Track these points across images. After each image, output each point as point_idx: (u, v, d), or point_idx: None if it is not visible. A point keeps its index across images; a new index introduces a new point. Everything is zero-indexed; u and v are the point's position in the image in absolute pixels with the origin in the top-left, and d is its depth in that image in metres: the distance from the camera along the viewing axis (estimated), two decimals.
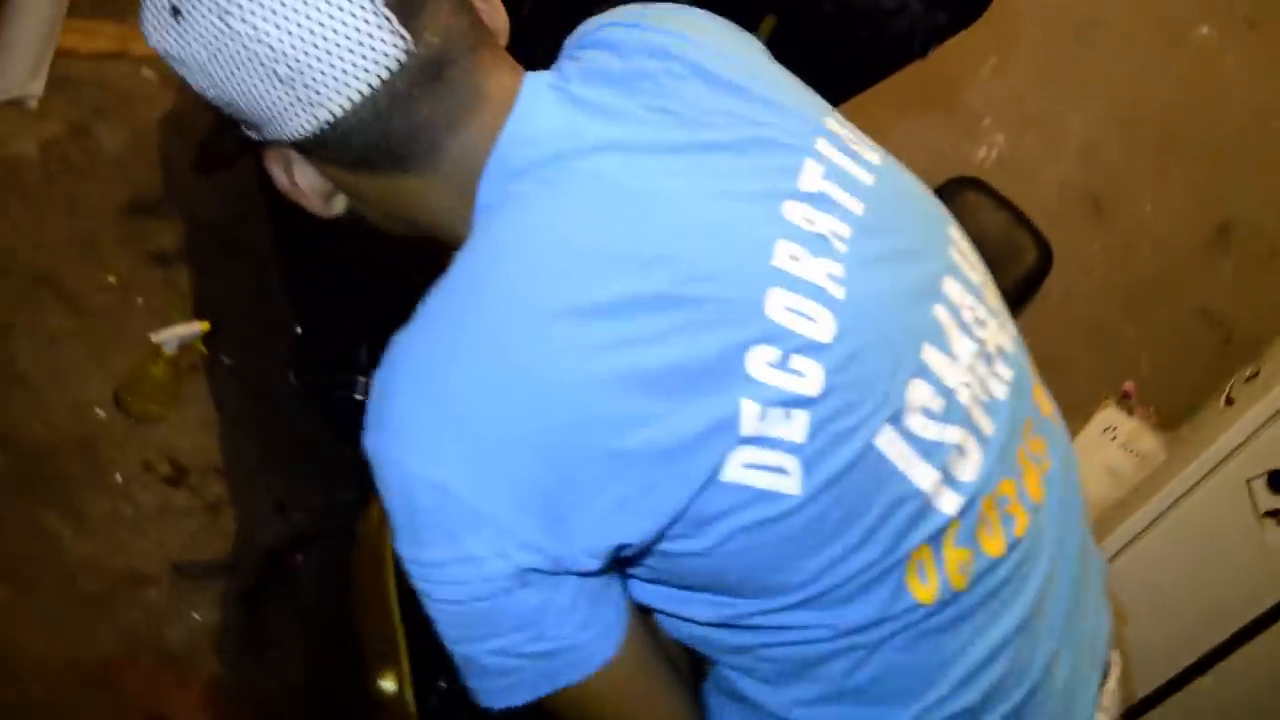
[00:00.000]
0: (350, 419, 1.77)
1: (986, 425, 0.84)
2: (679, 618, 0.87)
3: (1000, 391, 0.86)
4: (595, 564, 0.76)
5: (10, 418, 1.82)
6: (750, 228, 0.78)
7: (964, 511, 0.81)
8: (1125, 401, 2.57)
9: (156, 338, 1.87)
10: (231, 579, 1.82)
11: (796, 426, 0.74)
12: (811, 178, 0.82)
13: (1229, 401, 2.12)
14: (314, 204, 0.87)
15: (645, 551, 0.78)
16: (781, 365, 0.74)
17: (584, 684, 0.79)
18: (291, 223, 1.99)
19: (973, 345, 0.84)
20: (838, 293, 0.77)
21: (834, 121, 0.89)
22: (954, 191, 2.55)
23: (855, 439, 0.76)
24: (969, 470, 0.81)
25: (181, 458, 1.93)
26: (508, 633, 0.77)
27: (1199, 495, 2.03)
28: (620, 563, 0.81)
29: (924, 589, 0.80)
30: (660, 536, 0.76)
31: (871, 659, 0.82)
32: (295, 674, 1.77)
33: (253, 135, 0.83)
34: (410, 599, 1.50)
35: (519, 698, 0.80)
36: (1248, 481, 1.96)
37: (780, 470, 0.74)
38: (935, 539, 0.80)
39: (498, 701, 0.81)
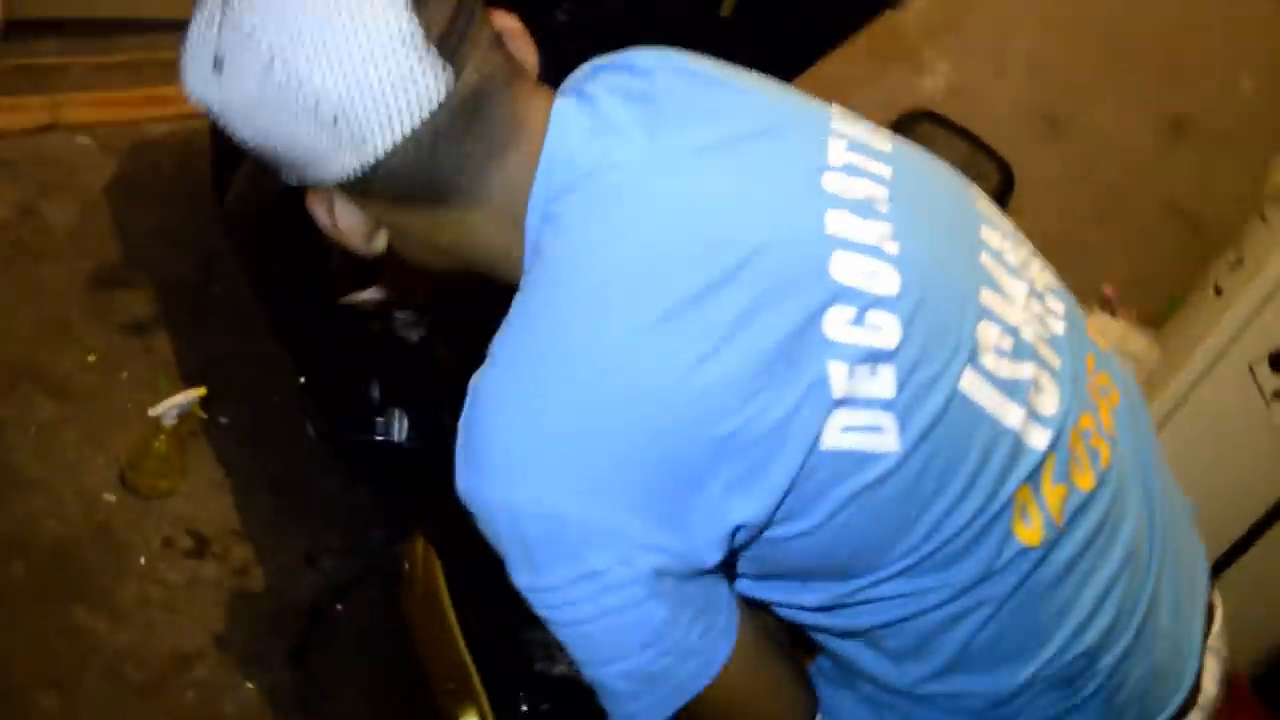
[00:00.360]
0: (373, 462, 1.75)
1: (1054, 360, 0.85)
2: (791, 607, 0.87)
3: (1058, 327, 0.88)
4: (717, 555, 0.77)
5: (19, 519, 1.76)
6: (798, 202, 0.80)
7: (1054, 446, 0.82)
8: (1108, 305, 2.61)
9: (154, 411, 1.82)
10: (276, 640, 1.79)
11: (884, 381, 0.76)
12: (837, 152, 0.84)
13: (1217, 291, 2.15)
14: (356, 243, 0.86)
15: (757, 540, 0.79)
16: (858, 322, 0.76)
17: (708, 688, 0.80)
18: (273, 273, 1.95)
19: (1023, 285, 0.86)
20: (892, 249, 0.79)
21: (836, 107, 0.92)
22: (908, 125, 2.54)
23: (941, 385, 0.78)
24: (1049, 404, 0.83)
25: (200, 527, 1.89)
26: (636, 652, 0.77)
27: (1204, 390, 2.06)
28: (732, 556, 0.81)
29: (1029, 531, 0.81)
30: (772, 520, 0.77)
31: (990, 623, 0.82)
32: None
33: (292, 179, 0.82)
34: (472, 628, 1.49)
35: (655, 714, 0.81)
36: (1250, 367, 1.99)
37: (877, 429, 0.76)
38: (1033, 478, 0.81)
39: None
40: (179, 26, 0.79)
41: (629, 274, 0.75)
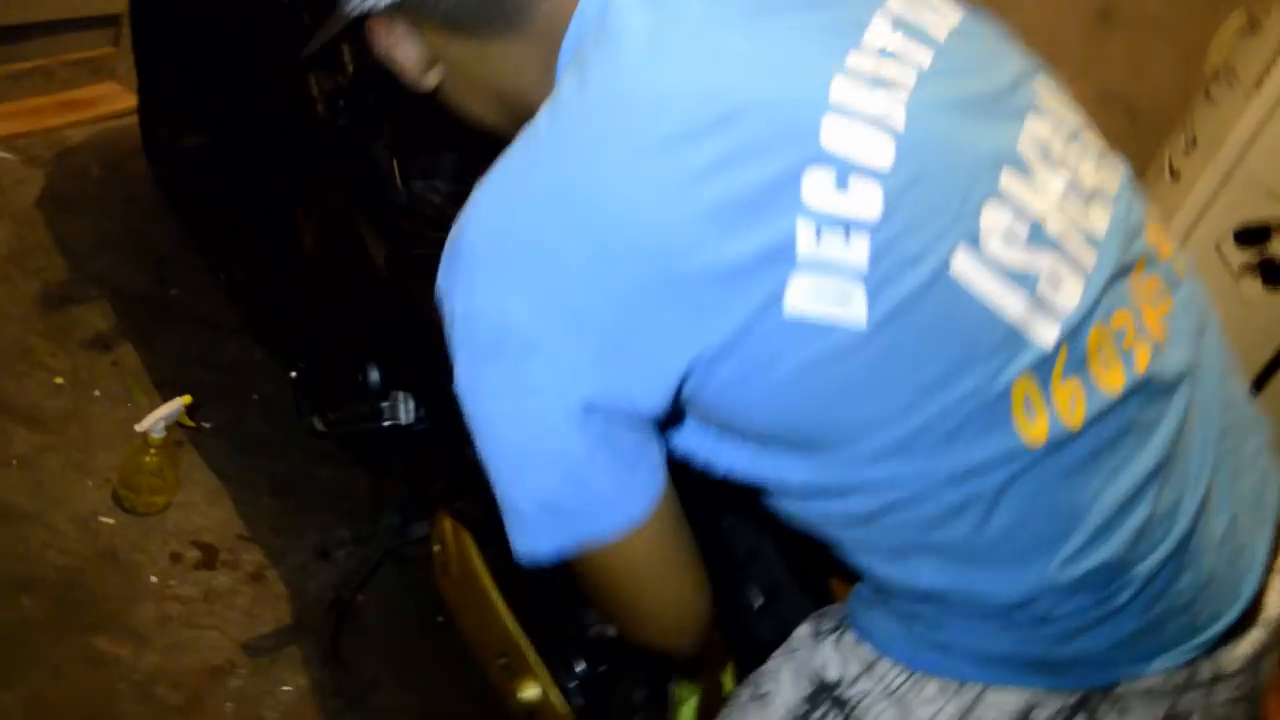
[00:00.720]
0: (384, 449, 1.71)
1: (1085, 256, 0.82)
2: (780, 491, 0.86)
3: (1099, 226, 0.84)
4: (656, 401, 0.78)
5: (19, 555, 1.70)
6: (807, 68, 0.80)
7: (1069, 341, 0.79)
8: None
9: (141, 426, 1.76)
10: (304, 639, 1.76)
11: (857, 250, 0.75)
12: (878, 32, 0.83)
13: (1173, 174, 2.18)
14: (412, 76, 0.93)
15: (714, 400, 0.79)
16: (838, 188, 0.75)
17: (612, 544, 0.83)
18: (242, 272, 1.88)
19: (1061, 179, 0.83)
20: (898, 123, 0.78)
21: None
22: None
23: (925, 263, 0.76)
24: (1067, 299, 0.80)
25: (205, 538, 1.85)
26: (550, 476, 0.80)
27: None
28: (684, 411, 0.82)
29: (1032, 427, 0.78)
30: (725, 376, 0.77)
31: (995, 511, 0.79)
32: (404, 709, 1.74)
33: (353, 6, 0.88)
34: (516, 599, 1.48)
35: (549, 546, 0.83)
36: (1216, 245, 2.04)
37: (844, 299, 0.75)
38: (1040, 371, 0.78)
39: (528, 548, 0.84)
40: (86, 24, 0.77)
41: (623, 109, 0.77)
